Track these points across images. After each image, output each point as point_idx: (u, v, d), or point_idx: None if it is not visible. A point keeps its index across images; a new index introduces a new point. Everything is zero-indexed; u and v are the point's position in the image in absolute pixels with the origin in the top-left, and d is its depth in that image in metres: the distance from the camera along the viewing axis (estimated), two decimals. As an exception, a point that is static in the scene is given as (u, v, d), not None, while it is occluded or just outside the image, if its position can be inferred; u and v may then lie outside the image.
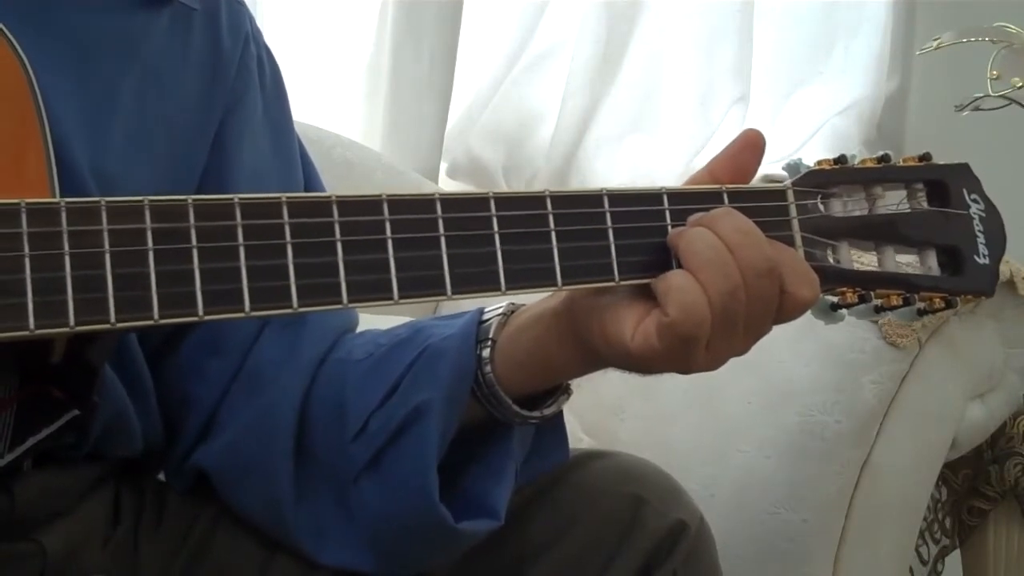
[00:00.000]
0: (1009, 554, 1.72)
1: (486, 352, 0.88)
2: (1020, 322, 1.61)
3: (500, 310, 0.89)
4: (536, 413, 0.90)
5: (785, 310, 0.82)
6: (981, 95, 1.49)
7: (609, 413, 1.59)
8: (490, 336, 0.88)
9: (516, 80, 2.23)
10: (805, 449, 1.50)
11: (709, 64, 2.34)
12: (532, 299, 0.91)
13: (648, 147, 2.31)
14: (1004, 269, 1.54)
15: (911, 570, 1.71)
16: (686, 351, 0.79)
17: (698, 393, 1.56)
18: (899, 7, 2.53)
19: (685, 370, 0.81)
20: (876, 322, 1.48)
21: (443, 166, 2.19)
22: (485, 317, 0.89)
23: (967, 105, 1.50)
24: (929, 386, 1.54)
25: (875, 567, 1.55)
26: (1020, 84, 1.46)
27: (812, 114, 2.44)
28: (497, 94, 2.22)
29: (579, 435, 1.53)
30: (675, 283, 0.79)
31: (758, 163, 0.86)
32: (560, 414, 0.94)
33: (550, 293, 0.87)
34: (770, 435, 1.51)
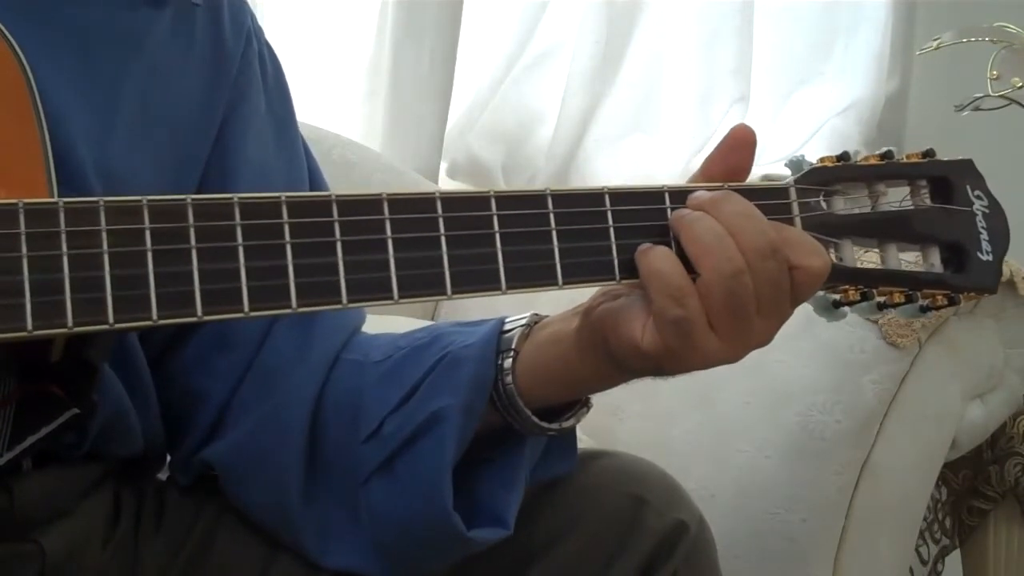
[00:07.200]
0: (1009, 554, 1.72)
1: (507, 363, 0.88)
2: (1020, 322, 1.61)
3: (523, 321, 0.89)
4: (555, 425, 0.90)
5: (799, 285, 0.81)
6: (981, 95, 1.49)
7: (609, 413, 1.59)
8: (512, 347, 0.88)
9: (516, 80, 2.24)
10: (805, 449, 1.50)
11: (709, 64, 2.34)
12: (548, 306, 0.91)
13: (648, 147, 2.32)
14: (1004, 269, 1.53)
15: (911, 570, 1.71)
16: (688, 338, 0.78)
17: (698, 393, 1.56)
18: (899, 7, 2.53)
19: (703, 362, 0.80)
20: (876, 322, 1.48)
21: (443, 166, 2.20)
22: (507, 327, 0.89)
23: (967, 105, 1.50)
24: (929, 386, 1.54)
25: (875, 567, 1.55)
26: (1020, 84, 1.46)
27: (812, 114, 2.44)
28: (497, 94, 2.22)
29: (579, 435, 1.52)
30: (654, 268, 0.79)
31: (751, 160, 0.86)
32: (573, 432, 0.94)
33: (572, 309, 0.87)
34: (770, 435, 1.51)
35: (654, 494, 0.96)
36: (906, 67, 2.58)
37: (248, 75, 0.99)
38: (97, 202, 0.68)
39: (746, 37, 2.35)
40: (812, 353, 1.51)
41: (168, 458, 1.01)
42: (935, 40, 1.56)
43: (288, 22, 2.03)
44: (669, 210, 0.82)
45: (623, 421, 1.60)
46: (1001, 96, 1.48)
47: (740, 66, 2.34)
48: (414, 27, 2.08)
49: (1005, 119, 1.51)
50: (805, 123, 2.43)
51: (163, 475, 1.02)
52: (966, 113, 1.51)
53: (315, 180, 1.03)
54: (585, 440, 1.55)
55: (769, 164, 2.21)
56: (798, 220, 0.85)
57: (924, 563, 1.75)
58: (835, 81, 2.46)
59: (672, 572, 0.94)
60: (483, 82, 2.22)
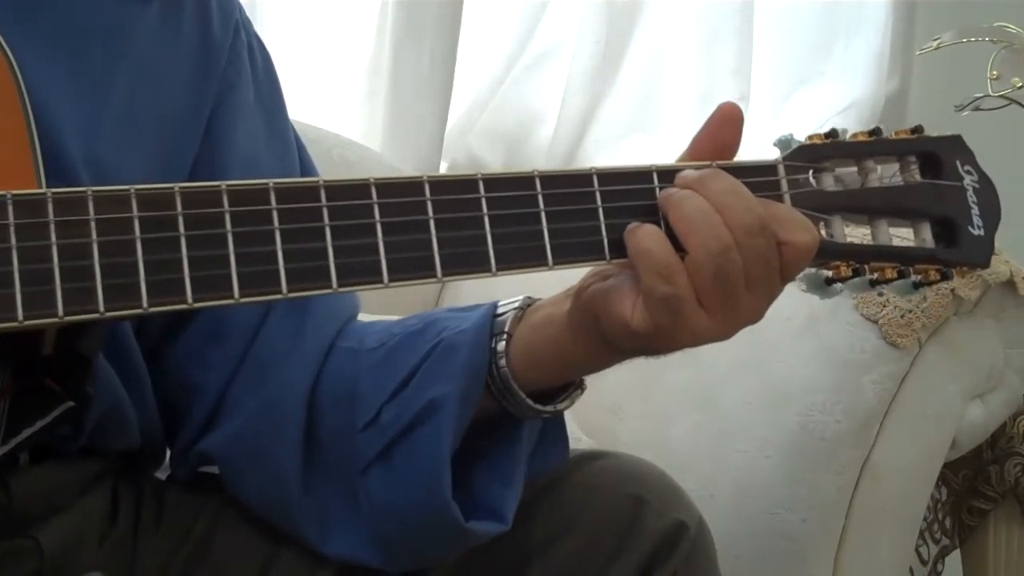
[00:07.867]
0: (1009, 554, 1.72)
1: (501, 346, 0.88)
2: (1020, 322, 1.60)
3: (516, 304, 0.89)
4: (549, 407, 0.90)
5: (788, 262, 0.81)
6: (981, 95, 1.48)
7: (608, 413, 1.59)
8: (505, 330, 0.88)
9: (516, 80, 2.24)
10: (805, 449, 1.49)
11: (709, 64, 2.34)
12: (541, 290, 0.92)
13: (648, 147, 2.31)
14: (1004, 269, 1.54)
15: (911, 570, 1.71)
16: (677, 316, 0.79)
17: (697, 393, 1.56)
18: (899, 7, 2.52)
19: (693, 340, 0.80)
20: (876, 321, 1.48)
21: (443, 166, 2.20)
22: (500, 311, 0.89)
23: (967, 105, 1.50)
24: (929, 386, 1.53)
25: (875, 567, 1.55)
26: (1020, 84, 1.45)
27: (812, 114, 2.43)
28: (497, 94, 2.22)
29: (579, 435, 1.52)
30: (643, 246, 0.79)
31: (739, 137, 0.86)
32: (562, 417, 0.94)
33: (564, 291, 0.87)
34: (770, 435, 1.51)
35: (654, 494, 0.96)
36: (906, 67, 2.57)
37: (237, 66, 0.99)
38: (85, 192, 0.69)
39: (746, 37, 2.35)
40: (812, 353, 1.51)
41: (168, 455, 1.01)
42: (935, 40, 1.56)
43: (288, 22, 2.03)
44: (657, 189, 0.82)
45: (623, 421, 1.60)
46: (1001, 96, 1.47)
47: (740, 66, 2.34)
48: (414, 27, 2.07)
49: (1005, 119, 1.51)
50: (805, 123, 2.42)
51: (162, 475, 1.02)
52: (966, 113, 1.50)
53: (307, 171, 1.03)
54: (585, 440, 1.55)
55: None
56: (787, 197, 0.85)
57: (924, 563, 1.75)
58: (835, 81, 2.46)
59: (672, 572, 0.94)
60: (483, 82, 2.23)
